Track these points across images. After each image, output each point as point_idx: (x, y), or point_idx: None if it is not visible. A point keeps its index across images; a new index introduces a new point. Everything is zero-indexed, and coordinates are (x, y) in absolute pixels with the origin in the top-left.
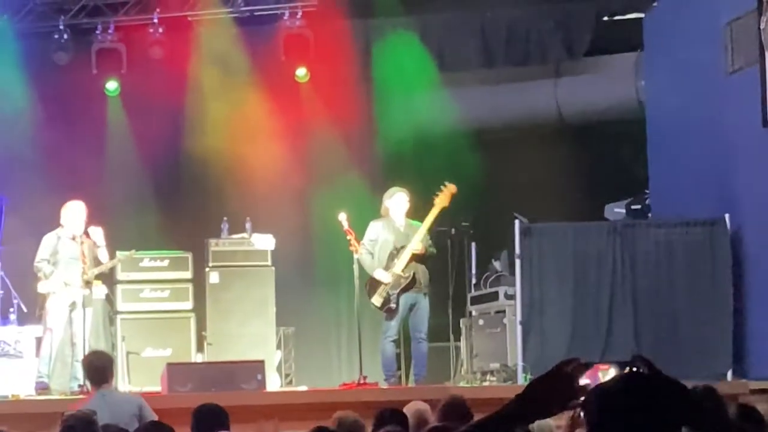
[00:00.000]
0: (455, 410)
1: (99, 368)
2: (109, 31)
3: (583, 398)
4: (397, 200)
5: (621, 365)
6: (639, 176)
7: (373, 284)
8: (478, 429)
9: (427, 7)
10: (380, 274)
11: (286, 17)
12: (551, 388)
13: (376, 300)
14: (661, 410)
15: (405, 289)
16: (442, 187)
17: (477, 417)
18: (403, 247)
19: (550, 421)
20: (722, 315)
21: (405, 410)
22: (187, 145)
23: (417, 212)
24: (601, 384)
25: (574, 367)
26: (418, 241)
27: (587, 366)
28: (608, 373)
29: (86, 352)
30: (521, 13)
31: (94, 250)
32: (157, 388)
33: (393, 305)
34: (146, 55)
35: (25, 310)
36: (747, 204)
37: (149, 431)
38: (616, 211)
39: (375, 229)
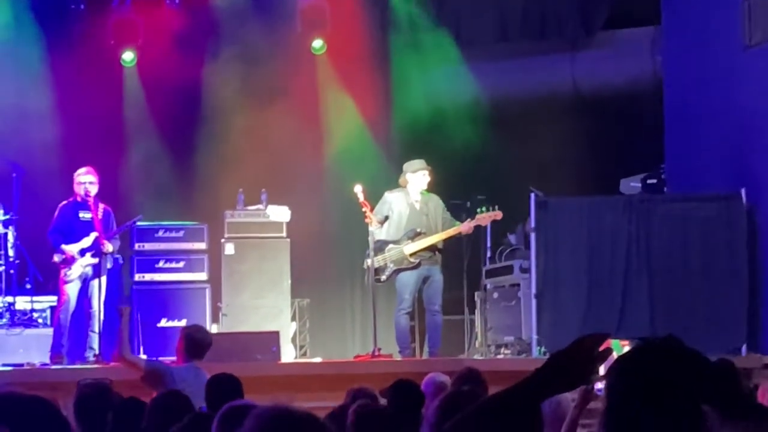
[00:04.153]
0: (470, 382)
1: (199, 343)
2: (126, 2)
3: (604, 371)
4: (419, 177)
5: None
6: (655, 151)
7: (380, 246)
8: (497, 401)
9: None
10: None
11: None
12: (572, 363)
13: (375, 261)
14: (680, 383)
15: (403, 270)
16: (490, 207)
17: (492, 390)
18: (424, 233)
19: (566, 394)
20: (737, 290)
21: (425, 381)
22: (203, 116)
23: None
24: (622, 355)
25: (595, 341)
26: (440, 238)
27: (606, 337)
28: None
29: (101, 322)
30: None
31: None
32: (172, 358)
33: (383, 277)
34: (163, 26)
35: (40, 279)
36: (763, 179)
37: (166, 401)
38: (632, 185)
39: (388, 201)
